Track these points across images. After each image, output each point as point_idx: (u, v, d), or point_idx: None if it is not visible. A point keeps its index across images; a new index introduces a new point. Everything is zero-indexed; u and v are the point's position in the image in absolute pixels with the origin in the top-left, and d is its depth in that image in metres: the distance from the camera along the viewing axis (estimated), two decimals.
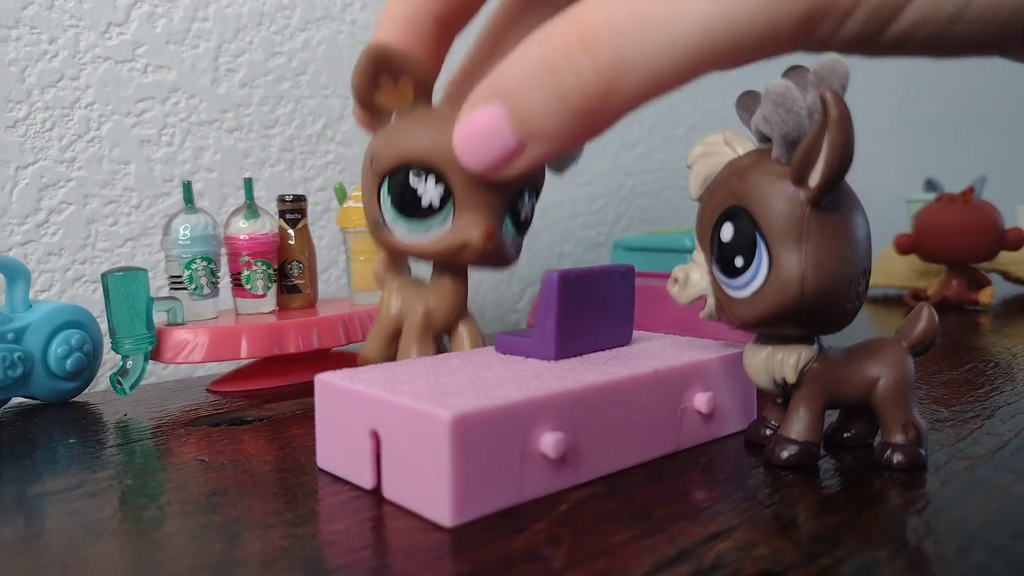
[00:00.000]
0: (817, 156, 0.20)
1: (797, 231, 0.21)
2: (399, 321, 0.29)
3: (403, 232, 0.27)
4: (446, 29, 0.27)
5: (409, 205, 0.26)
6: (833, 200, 0.21)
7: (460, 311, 0.29)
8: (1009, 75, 1.31)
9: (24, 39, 0.45)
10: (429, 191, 0.26)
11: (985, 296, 0.61)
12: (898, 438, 0.23)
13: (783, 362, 0.23)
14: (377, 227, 0.28)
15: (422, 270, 0.31)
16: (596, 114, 0.20)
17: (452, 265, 0.29)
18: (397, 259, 0.31)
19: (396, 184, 0.27)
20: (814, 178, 0.21)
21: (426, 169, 0.26)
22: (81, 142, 0.47)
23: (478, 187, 0.26)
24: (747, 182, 0.22)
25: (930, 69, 1.16)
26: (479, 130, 0.22)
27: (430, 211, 0.26)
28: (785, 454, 0.23)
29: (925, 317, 0.24)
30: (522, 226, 0.29)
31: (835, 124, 0.20)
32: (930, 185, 0.72)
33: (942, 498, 0.21)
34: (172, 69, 0.50)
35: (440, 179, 0.26)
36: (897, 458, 0.23)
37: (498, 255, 0.27)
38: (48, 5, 0.45)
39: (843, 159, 0.20)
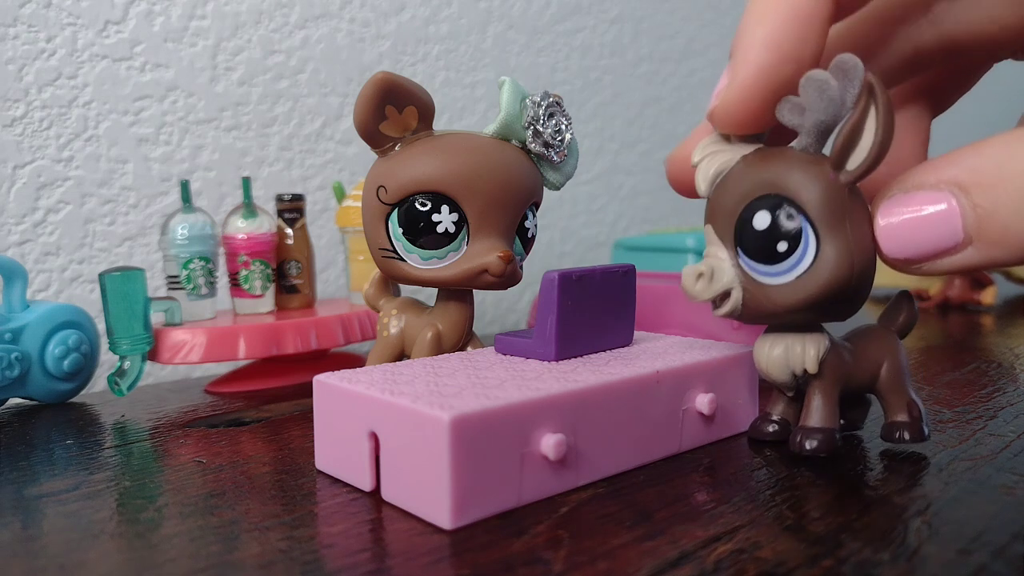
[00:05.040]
0: (859, 140, 0.21)
1: (841, 213, 0.21)
2: (401, 343, 0.29)
3: (417, 260, 0.27)
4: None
5: (425, 234, 0.26)
6: (856, 186, 0.22)
7: (469, 333, 0.29)
8: (1013, 72, 1.31)
9: (22, 37, 0.45)
10: (445, 219, 0.26)
11: (988, 296, 0.61)
12: (903, 417, 0.25)
13: (804, 354, 0.24)
14: (385, 256, 0.28)
15: (408, 289, 0.31)
16: None
17: (461, 288, 0.28)
18: (388, 281, 0.31)
19: (409, 213, 0.26)
20: (854, 161, 0.21)
21: (440, 197, 0.26)
22: (79, 141, 0.47)
23: (491, 213, 0.26)
24: (780, 169, 0.22)
25: None
26: (923, 215, 0.20)
27: (446, 239, 0.26)
28: (810, 444, 0.24)
29: (907, 306, 0.26)
30: (528, 243, 0.29)
31: (883, 107, 0.20)
32: None
33: (944, 499, 0.21)
34: (170, 67, 0.50)
35: (454, 206, 0.26)
36: (905, 435, 0.25)
37: (514, 277, 0.28)
38: (46, 3, 0.45)
39: (888, 141, 0.21)
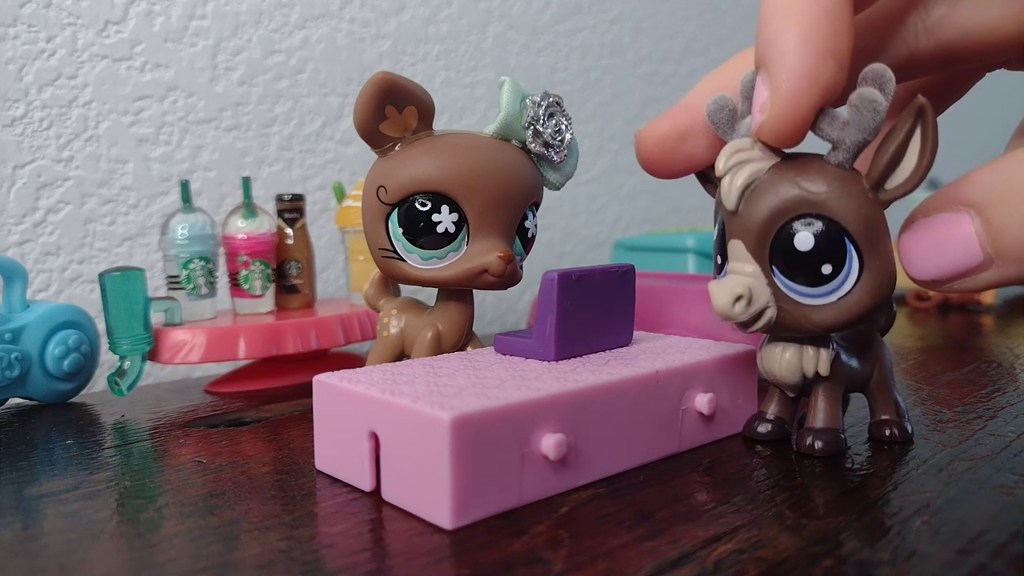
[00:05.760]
0: (900, 161, 0.21)
1: (878, 232, 0.22)
2: (401, 343, 0.29)
3: (417, 260, 0.27)
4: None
5: (425, 234, 0.26)
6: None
7: (469, 333, 0.29)
8: (1012, 72, 1.31)
9: (22, 37, 0.45)
10: (445, 219, 0.26)
11: (988, 296, 0.61)
12: (890, 415, 0.26)
13: (817, 357, 0.24)
14: (385, 256, 0.28)
15: (408, 288, 0.31)
16: None
17: (461, 288, 0.28)
18: (388, 281, 0.31)
19: (409, 214, 0.26)
20: (894, 181, 0.21)
21: (440, 197, 0.26)
22: (79, 141, 0.47)
23: (491, 213, 0.26)
24: (821, 189, 0.21)
25: None
26: (938, 237, 0.21)
27: (446, 239, 0.26)
28: (819, 444, 0.24)
29: (886, 305, 0.27)
30: (528, 243, 0.29)
31: (932, 131, 0.20)
32: (932, 184, 0.72)
33: (944, 499, 0.21)
34: (170, 67, 0.50)
35: (454, 206, 0.26)
36: (895, 432, 0.26)
37: (514, 277, 0.28)
38: (46, 3, 0.45)
39: (931, 165, 0.21)
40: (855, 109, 0.21)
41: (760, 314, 0.23)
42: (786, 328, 0.23)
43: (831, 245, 0.21)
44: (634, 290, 0.28)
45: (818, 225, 0.22)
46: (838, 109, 0.21)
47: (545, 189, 0.29)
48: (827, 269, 0.22)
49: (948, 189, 0.21)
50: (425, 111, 0.27)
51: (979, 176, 0.20)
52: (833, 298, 0.22)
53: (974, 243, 0.20)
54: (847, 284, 0.22)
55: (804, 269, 0.22)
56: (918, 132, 0.20)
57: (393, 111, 0.26)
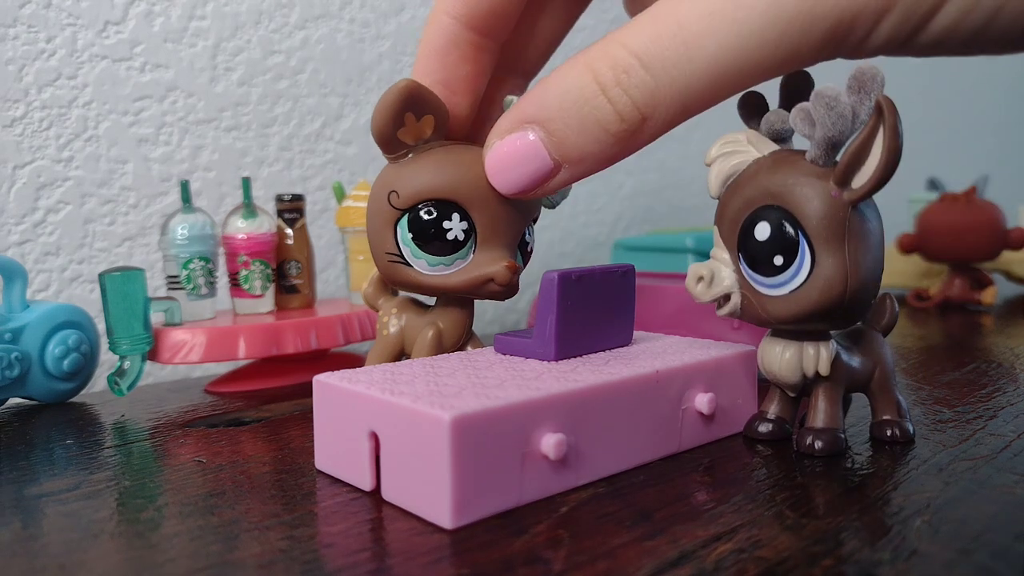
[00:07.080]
0: (865, 159, 0.21)
1: (840, 231, 0.22)
2: (401, 342, 0.29)
3: (424, 266, 0.27)
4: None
5: (435, 240, 0.27)
6: (866, 200, 0.22)
7: (469, 333, 0.30)
8: (1012, 73, 1.31)
9: (22, 37, 0.45)
10: (455, 227, 0.26)
11: (988, 296, 0.61)
12: (891, 415, 0.26)
13: (817, 357, 0.24)
14: (392, 261, 0.28)
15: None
16: (630, 140, 0.22)
17: (465, 296, 0.29)
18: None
19: (421, 219, 0.27)
20: (859, 180, 0.21)
21: (451, 205, 0.26)
22: (78, 141, 0.47)
23: (498, 222, 0.27)
24: (785, 182, 0.22)
25: (932, 68, 1.16)
26: (514, 155, 0.24)
27: (455, 246, 0.27)
28: (819, 444, 0.24)
29: (889, 306, 0.27)
30: (527, 257, 0.30)
31: (891, 130, 0.20)
32: (932, 184, 0.72)
33: (945, 499, 0.21)
34: (170, 68, 0.50)
35: (464, 215, 0.26)
36: (896, 432, 0.26)
37: (516, 287, 0.28)
38: (46, 3, 0.45)
39: (894, 164, 0.21)
40: (813, 105, 0.21)
41: (728, 298, 0.24)
42: (749, 316, 0.24)
43: (784, 236, 0.22)
44: (634, 290, 0.28)
45: (775, 216, 0.22)
46: (809, 106, 0.22)
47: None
48: (779, 260, 0.23)
49: (515, 110, 0.23)
50: (442, 121, 0.27)
51: (534, 95, 0.23)
52: (786, 290, 0.23)
53: (544, 153, 0.23)
54: (799, 278, 0.22)
55: (761, 258, 0.23)
56: (881, 130, 0.21)
57: (411, 118, 0.26)
